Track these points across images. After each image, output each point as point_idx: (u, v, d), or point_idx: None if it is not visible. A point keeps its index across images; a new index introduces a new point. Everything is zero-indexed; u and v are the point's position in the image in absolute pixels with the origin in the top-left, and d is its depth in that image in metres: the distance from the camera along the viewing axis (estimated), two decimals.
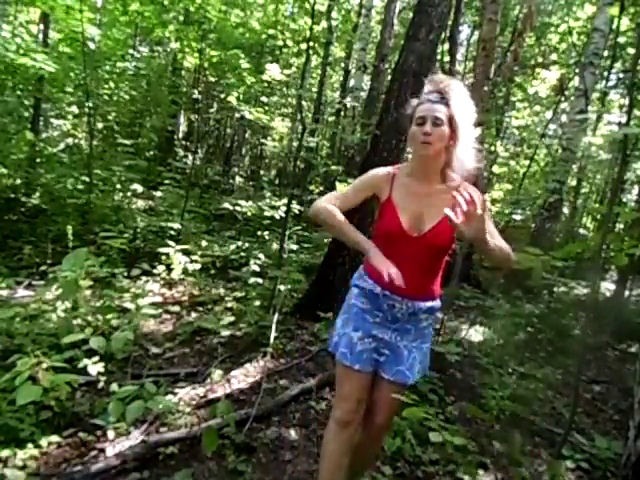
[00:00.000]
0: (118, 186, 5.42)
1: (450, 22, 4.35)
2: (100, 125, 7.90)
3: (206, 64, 6.60)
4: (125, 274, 3.64)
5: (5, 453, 1.80)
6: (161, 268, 4.07)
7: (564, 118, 10.63)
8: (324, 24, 7.97)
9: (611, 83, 9.37)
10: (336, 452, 1.62)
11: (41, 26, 6.82)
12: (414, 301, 1.56)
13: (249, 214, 5.53)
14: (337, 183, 2.98)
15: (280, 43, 7.89)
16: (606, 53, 7.70)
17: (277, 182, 10.90)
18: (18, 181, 5.26)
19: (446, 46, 6.85)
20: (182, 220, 5.08)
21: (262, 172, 11.47)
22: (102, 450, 2.03)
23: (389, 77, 5.62)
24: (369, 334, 1.60)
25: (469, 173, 1.56)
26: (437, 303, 1.64)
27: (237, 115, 6.55)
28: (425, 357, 1.68)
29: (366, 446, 1.76)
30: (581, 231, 11.09)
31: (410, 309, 1.57)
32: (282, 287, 3.74)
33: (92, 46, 5.83)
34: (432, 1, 3.50)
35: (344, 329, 1.65)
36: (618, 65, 9.04)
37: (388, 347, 1.61)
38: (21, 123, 6.12)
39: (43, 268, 3.37)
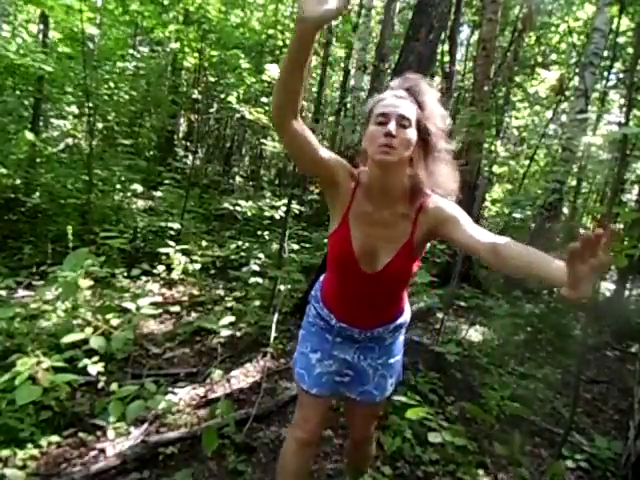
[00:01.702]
0: (118, 186, 5.42)
1: (450, 22, 4.35)
2: (100, 125, 7.89)
3: (206, 64, 6.60)
4: (125, 274, 3.64)
5: (5, 453, 1.80)
6: (161, 268, 4.07)
7: (564, 118, 10.62)
8: None
9: (611, 83, 9.37)
10: (297, 470, 1.52)
11: (41, 26, 6.82)
12: (374, 329, 1.41)
13: (249, 214, 5.52)
14: None
15: (280, 43, 7.88)
16: (606, 53, 7.70)
17: (277, 182, 10.90)
18: (18, 181, 5.25)
19: (446, 46, 6.86)
20: (182, 220, 5.08)
21: (262, 172, 11.47)
22: (102, 450, 2.03)
23: (389, 77, 5.63)
24: (329, 355, 1.46)
25: (447, 194, 1.28)
26: (404, 319, 1.48)
27: (237, 115, 6.55)
28: (395, 370, 1.54)
29: (355, 453, 1.75)
30: (581, 231, 11.08)
31: (371, 335, 1.42)
32: (282, 287, 3.74)
33: (92, 46, 5.83)
34: (432, 1, 3.50)
35: (302, 347, 1.51)
36: (618, 65, 9.04)
37: (350, 367, 1.48)
38: (21, 123, 6.12)
39: (43, 268, 3.37)
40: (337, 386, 1.50)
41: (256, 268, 4.22)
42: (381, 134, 1.16)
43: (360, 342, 1.45)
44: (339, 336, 1.45)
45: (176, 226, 4.85)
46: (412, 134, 1.19)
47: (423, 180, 1.24)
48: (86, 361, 2.13)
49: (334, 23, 9.88)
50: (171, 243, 4.26)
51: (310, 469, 1.60)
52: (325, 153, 1.24)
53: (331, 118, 11.95)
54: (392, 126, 1.15)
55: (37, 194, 5.10)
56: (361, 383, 1.48)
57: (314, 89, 10.98)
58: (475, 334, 4.27)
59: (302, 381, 1.47)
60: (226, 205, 5.43)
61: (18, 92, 6.15)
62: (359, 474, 1.75)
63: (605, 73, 8.78)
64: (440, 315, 4.20)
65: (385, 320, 1.42)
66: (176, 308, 3.51)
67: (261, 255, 4.65)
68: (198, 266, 4.29)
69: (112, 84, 6.65)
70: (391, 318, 1.43)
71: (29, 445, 1.90)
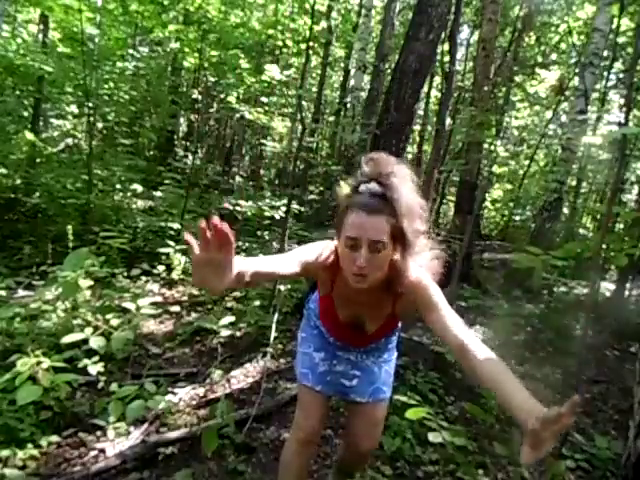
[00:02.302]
0: (118, 186, 5.42)
1: (450, 22, 4.35)
2: (100, 125, 7.89)
3: (206, 64, 6.60)
4: (125, 274, 3.64)
5: (5, 453, 1.80)
6: (161, 268, 4.07)
7: (564, 118, 10.62)
8: (324, 24, 7.97)
9: (611, 83, 9.37)
10: (298, 469, 1.54)
11: (41, 26, 6.82)
12: (369, 345, 1.49)
13: (249, 214, 5.52)
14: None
15: (280, 43, 7.88)
16: (606, 53, 7.70)
17: (277, 182, 10.90)
18: (18, 181, 5.25)
19: (446, 46, 6.86)
20: (182, 220, 5.08)
21: (262, 172, 11.47)
22: (102, 450, 2.03)
23: (389, 77, 5.63)
24: (333, 354, 1.51)
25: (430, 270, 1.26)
26: (397, 325, 1.49)
27: (237, 115, 6.55)
28: (393, 369, 1.59)
29: (353, 464, 1.72)
30: (581, 231, 11.09)
31: (365, 349, 1.50)
32: (282, 287, 3.74)
33: (92, 46, 5.83)
34: (432, 1, 3.50)
35: (304, 348, 1.55)
36: (618, 65, 9.04)
37: (356, 367, 1.51)
38: (21, 123, 6.12)
39: (43, 268, 3.37)
40: (347, 390, 1.51)
41: None
42: (352, 262, 1.12)
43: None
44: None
45: (176, 226, 4.85)
46: (385, 255, 1.13)
47: (402, 270, 1.20)
48: (86, 361, 2.13)
49: (334, 23, 9.89)
50: (171, 243, 4.26)
51: (310, 469, 1.59)
52: (292, 262, 1.17)
53: (331, 118, 11.96)
54: (362, 258, 1.09)
55: (37, 194, 5.10)
56: (370, 382, 1.50)
57: (314, 89, 10.98)
58: (475, 334, 4.28)
59: (306, 379, 1.49)
60: (226, 205, 5.43)
61: (18, 92, 6.15)
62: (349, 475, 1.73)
63: (605, 73, 8.78)
64: None
65: (378, 340, 1.48)
66: (176, 308, 3.51)
67: (261, 255, 4.64)
68: None
69: (112, 84, 6.65)
70: (384, 336, 1.49)
71: (29, 445, 1.90)
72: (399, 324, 1.47)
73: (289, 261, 1.16)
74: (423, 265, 1.24)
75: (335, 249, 1.24)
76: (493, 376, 1.00)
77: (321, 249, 1.25)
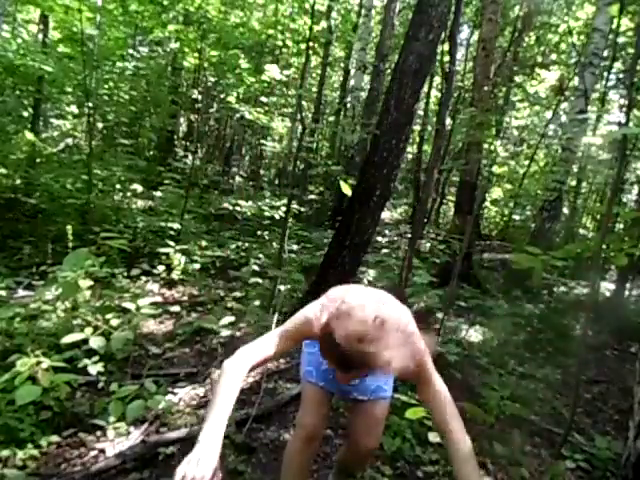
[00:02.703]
0: (118, 186, 5.42)
1: (450, 22, 4.35)
2: (100, 125, 7.89)
3: (206, 64, 6.60)
4: (125, 274, 3.64)
5: (5, 453, 1.80)
6: (161, 268, 4.07)
7: (564, 118, 10.62)
8: (324, 24, 7.97)
9: (611, 83, 9.37)
10: (300, 467, 1.59)
11: (41, 26, 6.82)
12: None
13: (249, 214, 5.53)
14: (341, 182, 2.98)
15: (280, 43, 7.88)
16: (606, 53, 7.69)
17: (277, 182, 10.90)
18: (18, 181, 5.25)
19: (446, 46, 6.85)
20: (182, 220, 5.08)
21: (262, 172, 11.47)
22: (102, 450, 2.03)
23: (389, 77, 5.63)
24: None
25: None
26: None
27: (237, 115, 6.55)
28: None
29: (354, 464, 1.73)
30: (581, 231, 11.10)
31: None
32: (282, 287, 3.74)
33: (92, 46, 5.83)
34: (432, 1, 3.50)
35: (309, 348, 1.62)
36: (618, 65, 9.04)
37: None
38: (21, 123, 6.12)
39: (43, 268, 3.36)
40: (349, 389, 1.55)
41: (256, 268, 4.22)
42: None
43: None
44: None
45: (176, 226, 4.85)
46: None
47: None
48: (86, 361, 2.13)
49: (334, 23, 9.89)
50: (171, 243, 4.26)
51: (311, 467, 1.63)
52: (283, 341, 1.27)
53: (331, 118, 11.96)
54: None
55: (37, 194, 5.10)
56: (371, 380, 1.54)
57: (314, 89, 10.98)
58: (475, 334, 4.27)
59: (310, 376, 1.56)
60: (226, 205, 5.43)
61: (18, 92, 6.15)
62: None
63: (605, 73, 8.79)
64: (440, 315, 4.20)
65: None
66: (176, 308, 3.51)
67: (261, 255, 4.65)
68: (198, 266, 4.29)
69: (112, 84, 6.65)
70: None
71: (29, 445, 1.90)
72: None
73: (281, 337, 1.27)
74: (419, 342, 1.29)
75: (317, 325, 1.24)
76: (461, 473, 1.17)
77: (309, 325, 1.26)
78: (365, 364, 1.04)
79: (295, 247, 5.27)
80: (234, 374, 1.18)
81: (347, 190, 3.07)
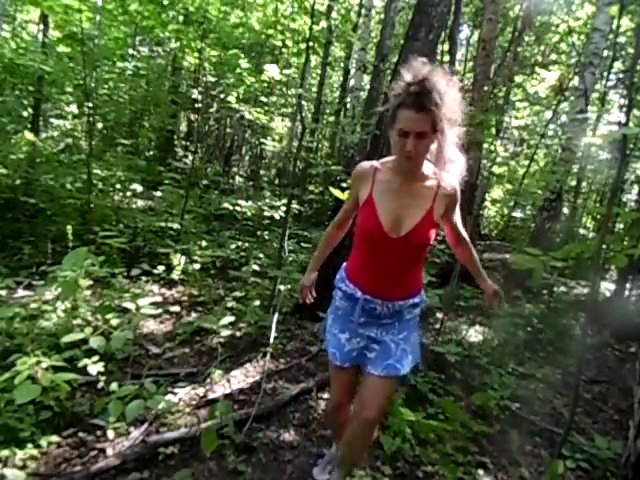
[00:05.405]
0: (118, 186, 5.41)
1: (450, 22, 4.35)
2: (100, 125, 7.89)
3: (206, 64, 6.60)
4: (125, 274, 3.64)
5: (5, 453, 1.80)
6: (161, 268, 4.06)
7: (564, 118, 10.63)
8: (324, 24, 7.97)
9: (611, 83, 9.37)
10: (336, 421, 1.87)
11: (41, 26, 6.82)
12: (395, 302, 1.63)
13: (249, 214, 5.52)
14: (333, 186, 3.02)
15: (280, 43, 7.88)
16: (606, 53, 7.69)
17: (277, 182, 10.89)
18: (18, 181, 5.25)
19: (446, 46, 6.85)
20: (182, 220, 5.08)
21: (262, 172, 11.46)
22: (102, 450, 2.03)
23: (389, 77, 5.63)
24: (356, 333, 1.69)
25: (456, 168, 1.57)
26: (419, 298, 1.70)
27: (237, 115, 6.55)
28: (415, 347, 1.72)
29: (355, 441, 1.71)
30: (581, 231, 11.09)
31: (392, 309, 1.64)
32: (282, 287, 3.73)
33: (92, 46, 5.83)
34: (432, 1, 3.50)
35: (332, 329, 1.75)
36: (618, 65, 9.04)
37: (376, 342, 1.68)
38: (21, 123, 6.12)
39: (43, 268, 3.36)
40: (365, 360, 1.70)
41: (256, 268, 4.21)
42: (403, 147, 1.44)
43: (382, 319, 1.65)
44: (363, 315, 1.66)
45: (176, 226, 4.84)
46: (427, 141, 1.46)
47: (438, 160, 1.54)
48: (86, 361, 2.13)
49: (334, 23, 9.88)
50: (171, 243, 4.26)
51: (349, 416, 1.81)
52: (352, 192, 1.69)
53: (331, 118, 11.95)
54: (410, 145, 1.42)
55: (37, 194, 5.10)
56: (385, 357, 1.64)
57: (314, 89, 10.98)
58: (475, 334, 4.27)
59: (335, 359, 1.72)
60: (226, 205, 5.43)
61: (18, 92, 6.15)
62: (349, 471, 1.76)
63: (605, 73, 8.78)
64: (440, 315, 4.20)
65: (403, 292, 1.64)
66: (176, 308, 3.51)
67: (261, 255, 4.64)
68: (198, 266, 4.28)
69: (112, 84, 6.65)
70: (408, 291, 1.65)
71: (29, 445, 1.90)
72: (432, 236, 1.60)
73: (351, 200, 1.70)
74: (454, 172, 1.56)
75: (375, 164, 1.63)
76: (469, 266, 1.85)
77: (359, 166, 1.66)
78: (435, 90, 1.38)
79: (295, 247, 5.26)
80: (327, 234, 1.83)
81: (340, 195, 3.09)
